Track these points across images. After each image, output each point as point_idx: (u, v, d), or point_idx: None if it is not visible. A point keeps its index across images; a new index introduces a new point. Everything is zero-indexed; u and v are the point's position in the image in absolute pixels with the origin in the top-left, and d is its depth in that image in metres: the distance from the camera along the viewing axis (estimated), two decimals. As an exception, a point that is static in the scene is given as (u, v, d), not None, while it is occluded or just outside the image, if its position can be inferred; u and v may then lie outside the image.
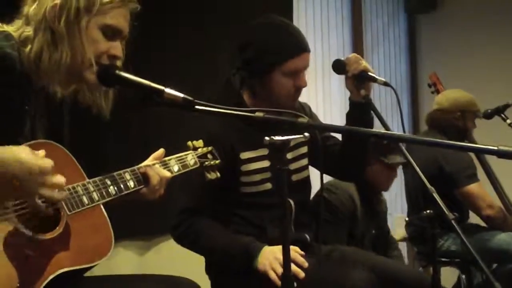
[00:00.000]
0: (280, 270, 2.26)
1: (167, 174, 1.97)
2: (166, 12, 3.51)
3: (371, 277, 2.34)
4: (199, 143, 2.17)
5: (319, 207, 2.80)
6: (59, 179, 1.57)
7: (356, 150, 2.62)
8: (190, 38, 3.70)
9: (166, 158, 2.03)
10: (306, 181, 2.68)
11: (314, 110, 2.86)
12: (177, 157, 2.07)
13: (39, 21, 1.72)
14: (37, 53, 1.71)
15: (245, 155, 2.48)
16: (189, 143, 2.15)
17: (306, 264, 2.32)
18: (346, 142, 2.63)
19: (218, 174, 2.19)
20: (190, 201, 2.45)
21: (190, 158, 2.11)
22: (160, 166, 1.98)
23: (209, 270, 2.65)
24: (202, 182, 2.22)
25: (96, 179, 1.81)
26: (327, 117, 4.76)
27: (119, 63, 1.81)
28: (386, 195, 3.78)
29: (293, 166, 2.58)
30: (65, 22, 1.71)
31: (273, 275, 2.29)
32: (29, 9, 1.76)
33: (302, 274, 2.29)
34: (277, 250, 2.32)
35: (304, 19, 4.91)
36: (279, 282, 2.24)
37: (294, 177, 2.59)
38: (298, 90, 2.51)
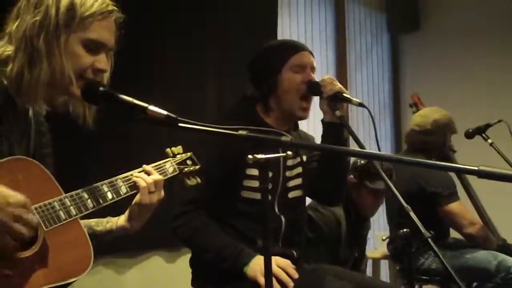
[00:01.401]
0: (279, 272, 2.34)
1: (160, 176, 1.98)
2: (154, 24, 3.54)
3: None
4: (178, 149, 2.15)
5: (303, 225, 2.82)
6: (33, 218, 1.58)
7: (332, 171, 2.64)
8: (178, 49, 3.73)
9: (145, 167, 2.00)
10: (301, 200, 2.71)
11: (300, 128, 2.90)
12: (155, 165, 2.04)
13: (20, 39, 1.71)
14: (18, 72, 1.70)
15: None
16: (168, 150, 2.13)
17: (296, 276, 2.35)
18: (322, 164, 2.65)
19: (199, 180, 2.16)
20: (195, 192, 2.42)
21: (169, 165, 2.08)
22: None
23: (195, 281, 2.65)
24: (208, 175, 2.26)
25: (73, 193, 1.78)
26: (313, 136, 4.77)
27: (106, 75, 1.81)
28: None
29: (290, 183, 2.62)
30: (44, 38, 1.70)
31: (262, 281, 2.30)
32: (12, 26, 1.75)
33: (291, 284, 2.33)
34: (276, 258, 2.39)
35: (289, 38, 4.95)
36: (277, 285, 2.31)
37: (291, 195, 2.63)
38: (308, 87, 2.55)
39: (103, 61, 1.79)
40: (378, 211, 3.78)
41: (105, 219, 2.02)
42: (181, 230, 2.51)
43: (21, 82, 1.70)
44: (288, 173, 2.62)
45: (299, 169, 2.67)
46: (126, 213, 2.01)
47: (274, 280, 2.33)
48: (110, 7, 1.81)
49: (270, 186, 2.51)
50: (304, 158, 2.68)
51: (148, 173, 1.97)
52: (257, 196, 2.49)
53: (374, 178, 3.43)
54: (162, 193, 1.98)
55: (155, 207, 1.98)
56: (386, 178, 2.17)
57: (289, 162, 2.61)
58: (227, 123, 2.48)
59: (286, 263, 2.40)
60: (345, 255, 3.52)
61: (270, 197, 2.52)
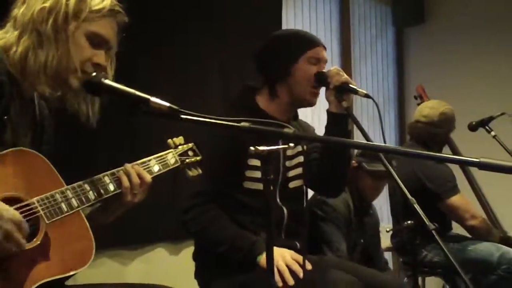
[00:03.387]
0: (284, 268, 2.34)
1: (148, 175, 1.93)
2: (150, 20, 3.53)
3: (354, 279, 2.38)
4: (180, 139, 2.14)
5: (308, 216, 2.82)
6: (22, 241, 1.57)
7: (334, 163, 2.64)
8: (175, 46, 3.72)
9: (146, 159, 1.99)
10: (302, 190, 2.70)
11: (304, 119, 2.91)
12: (157, 156, 2.03)
13: (26, 23, 1.73)
14: (22, 54, 1.72)
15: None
16: (170, 141, 2.12)
17: (300, 274, 2.34)
18: (324, 155, 2.66)
19: (200, 171, 2.15)
20: (203, 185, 2.43)
21: (171, 157, 2.07)
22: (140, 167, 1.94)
23: (198, 274, 2.66)
24: (211, 166, 2.27)
25: (75, 185, 1.78)
26: (316, 127, 4.77)
27: (109, 73, 1.82)
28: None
29: (291, 173, 2.63)
30: (53, 25, 1.72)
31: (282, 267, 2.34)
32: (18, 11, 1.76)
33: (291, 282, 2.32)
34: (285, 252, 2.40)
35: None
36: (279, 279, 2.31)
37: (291, 185, 2.63)
38: (315, 78, 2.57)
39: (102, 56, 1.81)
40: (382, 203, 3.79)
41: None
42: (193, 224, 2.50)
43: (25, 64, 1.72)
44: (288, 163, 2.62)
45: (300, 159, 2.67)
46: (105, 205, 1.94)
47: (277, 273, 2.33)
48: (117, 8, 1.84)
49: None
50: (305, 147, 2.68)
51: (136, 172, 1.91)
52: (259, 186, 2.49)
53: (371, 160, 3.45)
54: (145, 194, 1.93)
55: (132, 206, 1.93)
56: (385, 161, 2.18)
57: (289, 152, 2.62)
58: (229, 115, 2.51)
59: (293, 260, 2.39)
60: (354, 240, 3.52)
61: (271, 188, 2.52)
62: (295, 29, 2.69)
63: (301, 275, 2.35)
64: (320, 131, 2.78)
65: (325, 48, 2.68)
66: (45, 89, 1.79)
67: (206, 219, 2.48)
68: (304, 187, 2.70)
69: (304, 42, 2.62)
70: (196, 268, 2.68)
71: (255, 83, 2.68)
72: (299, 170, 2.67)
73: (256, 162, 2.48)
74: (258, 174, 2.50)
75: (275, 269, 2.33)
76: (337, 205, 3.39)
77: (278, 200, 2.57)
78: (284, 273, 2.35)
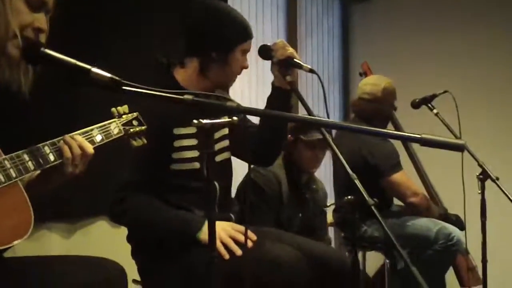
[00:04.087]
0: (228, 240, 2.35)
1: (90, 146, 1.88)
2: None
3: (295, 252, 2.39)
4: (124, 108, 2.09)
5: (246, 188, 2.83)
6: None
7: (272, 136, 2.67)
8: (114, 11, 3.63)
9: (88, 128, 1.94)
10: (229, 163, 2.71)
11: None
12: (99, 126, 1.98)
13: None
14: None
15: (178, 130, 2.47)
16: (113, 109, 2.06)
17: (243, 241, 2.34)
18: (263, 128, 2.67)
19: (145, 141, 2.11)
20: (131, 175, 2.39)
21: (114, 126, 2.02)
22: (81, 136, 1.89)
23: (135, 254, 2.62)
24: (142, 155, 2.25)
25: (13, 154, 1.73)
26: (259, 102, 4.80)
27: (43, 37, 1.75)
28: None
29: (217, 146, 2.58)
30: None
31: (226, 240, 2.35)
32: None
33: (239, 251, 2.34)
34: (225, 224, 2.41)
35: (239, 6, 4.90)
36: (224, 251, 2.32)
37: (218, 158, 2.61)
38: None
39: (43, 20, 1.75)
40: (323, 175, 3.82)
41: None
42: (124, 216, 2.45)
43: None
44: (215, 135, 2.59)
45: (225, 131, 2.65)
46: (44, 174, 1.89)
47: (221, 246, 2.33)
48: None
49: (198, 166, 2.50)
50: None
51: (76, 142, 1.86)
52: (188, 167, 2.48)
53: (307, 131, 3.48)
54: (86, 165, 1.88)
55: (72, 177, 1.88)
56: (329, 139, 2.19)
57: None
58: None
59: (235, 231, 2.40)
60: (288, 214, 3.55)
61: (199, 166, 2.50)
62: (234, 11, 2.61)
63: (249, 244, 2.34)
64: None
65: None
66: None
67: (136, 208, 2.43)
68: (230, 160, 2.70)
69: (244, 33, 2.58)
70: (132, 248, 2.63)
71: (169, 58, 2.60)
72: (225, 143, 2.65)
73: (182, 143, 2.46)
74: (185, 155, 2.48)
75: (219, 242, 2.33)
76: (268, 181, 3.42)
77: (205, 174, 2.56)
78: (229, 245, 2.35)
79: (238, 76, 2.65)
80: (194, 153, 2.50)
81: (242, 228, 2.41)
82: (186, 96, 1.69)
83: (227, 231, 2.39)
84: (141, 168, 2.40)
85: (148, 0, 3.84)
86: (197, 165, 2.50)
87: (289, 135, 3.55)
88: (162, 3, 3.91)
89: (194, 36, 2.56)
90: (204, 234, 2.36)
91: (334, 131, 3.78)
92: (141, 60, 3.57)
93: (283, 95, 2.58)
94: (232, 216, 2.61)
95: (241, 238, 2.37)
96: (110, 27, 3.60)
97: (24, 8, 1.71)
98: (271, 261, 2.30)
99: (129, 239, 2.63)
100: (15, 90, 1.78)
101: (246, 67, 2.63)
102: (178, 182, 2.48)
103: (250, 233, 2.39)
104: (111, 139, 2.00)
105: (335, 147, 2.11)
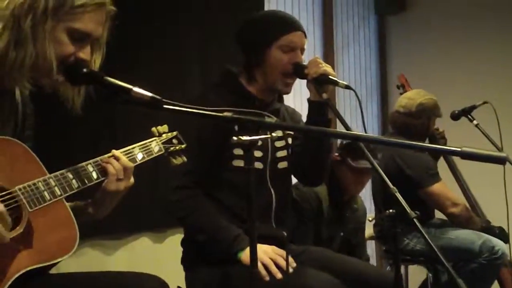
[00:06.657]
0: (269, 261, 2.33)
1: (130, 163, 1.92)
2: (128, 11, 3.49)
3: (332, 281, 2.36)
4: (164, 128, 2.14)
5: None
6: (4, 232, 1.58)
7: (314, 151, 2.65)
8: (154, 37, 3.68)
9: (130, 147, 1.98)
10: (289, 173, 2.71)
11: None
12: (141, 144, 2.03)
13: (7, 18, 1.69)
14: (2, 51, 1.68)
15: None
16: (154, 129, 2.12)
17: (279, 276, 2.32)
18: (305, 144, 2.66)
19: (185, 159, 2.15)
20: (193, 163, 2.35)
21: (155, 145, 2.07)
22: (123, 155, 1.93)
23: (185, 262, 2.64)
24: (203, 145, 2.33)
25: (58, 173, 1.77)
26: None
27: (97, 63, 1.81)
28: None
29: (279, 154, 2.61)
30: (31, 21, 1.68)
31: (267, 261, 2.34)
32: (2, 4, 1.72)
33: (279, 275, 2.32)
34: (267, 247, 2.39)
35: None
36: (265, 272, 2.31)
37: (280, 165, 2.62)
38: (293, 70, 2.55)
39: (86, 52, 1.79)
40: (363, 193, 3.79)
41: (72, 203, 1.95)
42: (178, 208, 2.47)
43: (5, 61, 1.69)
44: (277, 143, 2.61)
45: (289, 140, 2.67)
46: (94, 198, 1.96)
47: (262, 267, 2.32)
48: (101, 0, 1.79)
49: (261, 166, 2.52)
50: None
51: (117, 159, 1.91)
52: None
53: (357, 157, 3.43)
54: (132, 180, 1.93)
55: (122, 195, 1.93)
56: (370, 157, 2.16)
57: (279, 133, 2.61)
58: (212, 97, 2.50)
59: (276, 254, 2.38)
60: (329, 233, 3.53)
61: (262, 166, 2.53)
62: (274, 10, 2.61)
63: (289, 270, 2.31)
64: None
65: (304, 34, 2.63)
66: (26, 85, 1.79)
67: (192, 205, 2.46)
68: (290, 170, 2.70)
69: (279, 27, 2.57)
70: (183, 253, 2.67)
71: (235, 67, 2.66)
72: (285, 152, 2.66)
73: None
74: None
75: (259, 264, 2.31)
76: (307, 198, 3.40)
77: (268, 180, 2.56)
78: (270, 266, 2.34)
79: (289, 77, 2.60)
80: (258, 153, 2.51)
81: (283, 252, 2.39)
82: (225, 114, 1.71)
83: (269, 254, 2.38)
84: (202, 157, 2.43)
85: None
86: (260, 165, 2.52)
87: (336, 154, 3.52)
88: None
89: (239, 48, 2.63)
90: (245, 256, 2.36)
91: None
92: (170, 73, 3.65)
93: (320, 109, 2.58)
94: (285, 234, 2.59)
95: (282, 262, 2.34)
96: (149, 50, 3.65)
97: (66, 40, 1.74)
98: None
99: (182, 243, 2.66)
100: (69, 106, 1.84)
101: (297, 62, 2.56)
102: (238, 181, 2.46)
103: (290, 259, 2.36)
104: (152, 157, 2.05)
105: (382, 172, 2.08)
